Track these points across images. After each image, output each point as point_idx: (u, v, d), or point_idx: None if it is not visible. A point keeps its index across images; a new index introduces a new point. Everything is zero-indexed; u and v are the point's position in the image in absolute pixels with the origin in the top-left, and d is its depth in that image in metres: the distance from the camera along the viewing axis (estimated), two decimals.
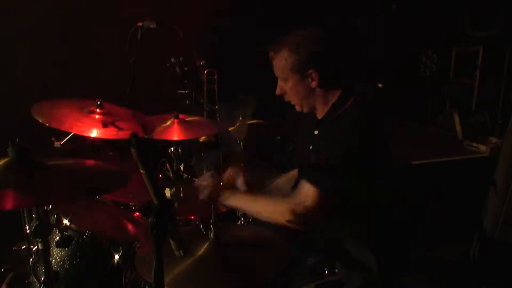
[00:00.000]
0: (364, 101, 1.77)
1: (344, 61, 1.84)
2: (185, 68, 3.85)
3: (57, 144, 2.13)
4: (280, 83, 1.80)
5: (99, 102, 1.87)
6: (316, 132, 1.83)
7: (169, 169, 2.48)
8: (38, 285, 1.62)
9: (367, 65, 4.95)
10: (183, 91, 3.92)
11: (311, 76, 1.71)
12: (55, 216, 1.74)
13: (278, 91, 1.82)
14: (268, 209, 1.68)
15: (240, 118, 2.64)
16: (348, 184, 1.61)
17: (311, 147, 1.82)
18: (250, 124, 2.72)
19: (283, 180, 2.19)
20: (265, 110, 2.78)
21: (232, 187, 1.92)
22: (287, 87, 1.77)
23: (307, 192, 1.60)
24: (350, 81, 1.82)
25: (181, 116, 2.43)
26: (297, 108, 1.84)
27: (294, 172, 2.14)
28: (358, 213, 1.70)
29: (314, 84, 1.72)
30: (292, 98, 1.80)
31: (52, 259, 1.69)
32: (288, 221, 1.58)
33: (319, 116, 1.81)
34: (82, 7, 3.98)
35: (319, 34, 1.74)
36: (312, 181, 1.60)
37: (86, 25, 3.99)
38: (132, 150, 0.95)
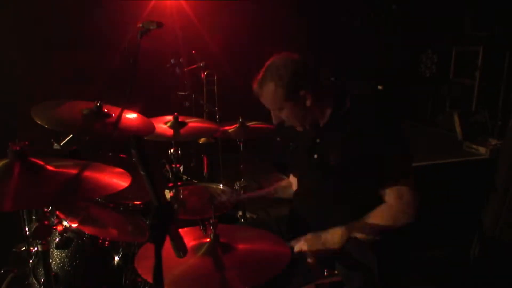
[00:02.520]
0: (362, 98, 1.80)
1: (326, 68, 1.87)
2: (185, 69, 3.87)
3: (56, 145, 2.13)
4: (274, 113, 1.80)
5: (98, 104, 1.87)
6: (318, 141, 1.83)
7: (169, 170, 2.48)
8: (38, 286, 1.62)
9: (367, 66, 4.96)
10: (183, 92, 3.94)
11: (304, 97, 1.72)
12: (55, 217, 1.74)
13: (275, 121, 1.82)
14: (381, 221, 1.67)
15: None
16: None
17: (315, 156, 1.82)
18: (250, 126, 2.72)
19: (282, 186, 2.19)
20: (264, 111, 2.79)
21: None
22: (284, 115, 1.78)
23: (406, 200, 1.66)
24: (343, 83, 1.84)
25: (181, 117, 2.43)
26: (299, 129, 1.84)
27: (290, 180, 2.15)
28: (359, 213, 1.70)
29: (309, 102, 1.73)
30: (292, 122, 1.81)
31: (52, 261, 1.68)
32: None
33: (320, 124, 1.82)
34: (82, 8, 3.99)
35: (292, 56, 1.75)
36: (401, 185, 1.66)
37: (86, 26, 3.99)
38: (133, 151, 0.95)
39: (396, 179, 1.66)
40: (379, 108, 1.77)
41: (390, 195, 1.67)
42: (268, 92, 1.73)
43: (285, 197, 2.15)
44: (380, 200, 1.69)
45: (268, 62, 1.77)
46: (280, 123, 1.83)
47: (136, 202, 2.10)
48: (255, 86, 1.77)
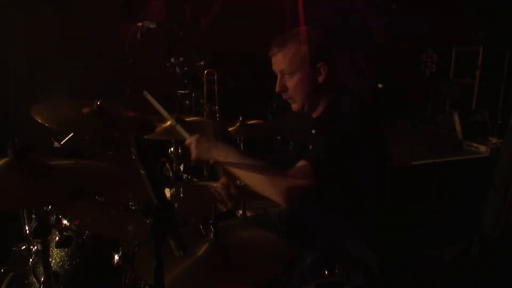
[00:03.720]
0: (361, 99, 1.77)
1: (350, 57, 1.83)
2: (185, 68, 3.86)
3: (56, 144, 2.13)
4: (281, 79, 1.73)
5: (99, 102, 1.86)
6: (313, 131, 1.82)
7: (169, 169, 2.48)
8: (38, 285, 1.62)
9: (368, 64, 4.96)
10: (183, 91, 3.94)
11: (319, 70, 1.68)
12: (55, 216, 1.74)
13: (278, 88, 1.74)
14: (262, 176, 1.55)
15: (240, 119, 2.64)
16: (338, 162, 1.56)
17: (310, 147, 1.81)
18: (250, 125, 2.72)
19: None
20: (265, 110, 2.79)
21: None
22: (292, 82, 1.71)
23: (300, 166, 1.55)
24: (348, 80, 1.80)
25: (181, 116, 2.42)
26: (296, 106, 1.77)
27: None
28: (358, 213, 1.70)
29: (321, 79, 1.69)
30: (296, 94, 1.73)
31: (52, 260, 1.68)
32: (279, 194, 1.50)
33: (315, 115, 1.80)
34: (82, 8, 3.98)
35: (327, 28, 1.73)
36: (304, 158, 1.57)
37: (86, 25, 3.99)
38: (132, 150, 0.95)
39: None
40: (365, 108, 1.74)
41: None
42: (290, 50, 1.68)
43: None
44: (373, 198, 1.68)
45: (293, 29, 1.74)
46: (282, 92, 1.75)
47: (136, 201, 2.10)
48: (275, 44, 1.72)
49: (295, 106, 1.78)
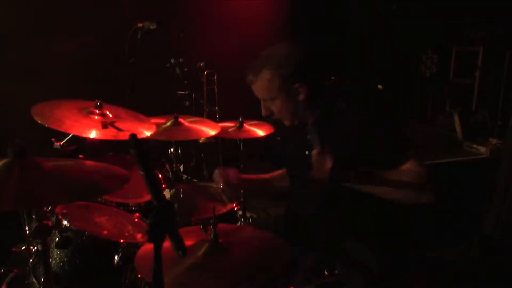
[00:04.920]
0: (355, 97, 1.78)
1: (326, 67, 1.83)
2: (185, 69, 3.86)
3: (56, 145, 2.12)
4: (265, 104, 1.77)
5: (98, 103, 1.87)
6: (309, 137, 1.82)
7: (169, 170, 2.47)
8: (38, 286, 1.62)
9: (367, 65, 4.96)
10: (183, 92, 3.94)
11: (298, 91, 1.69)
12: (55, 217, 1.74)
13: (264, 113, 1.78)
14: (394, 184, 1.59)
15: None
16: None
17: (306, 152, 1.81)
18: (250, 125, 2.72)
19: (277, 176, 2.18)
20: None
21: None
22: (275, 107, 1.74)
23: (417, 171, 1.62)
24: (342, 82, 1.81)
25: (180, 117, 2.42)
26: (287, 123, 1.80)
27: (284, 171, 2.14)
28: (360, 213, 1.69)
29: (301, 97, 1.70)
30: (282, 116, 1.77)
31: (52, 260, 1.68)
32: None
33: (310, 121, 1.80)
34: (82, 7, 3.99)
35: (295, 47, 1.73)
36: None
37: (86, 25, 3.99)
38: (132, 151, 0.95)
39: (398, 163, 1.63)
40: (372, 107, 1.76)
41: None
42: (263, 80, 1.69)
43: (283, 185, 2.12)
44: (376, 198, 1.67)
45: (267, 50, 1.74)
46: (269, 115, 1.78)
47: (136, 202, 2.11)
48: (249, 72, 1.73)
49: (286, 123, 1.82)
